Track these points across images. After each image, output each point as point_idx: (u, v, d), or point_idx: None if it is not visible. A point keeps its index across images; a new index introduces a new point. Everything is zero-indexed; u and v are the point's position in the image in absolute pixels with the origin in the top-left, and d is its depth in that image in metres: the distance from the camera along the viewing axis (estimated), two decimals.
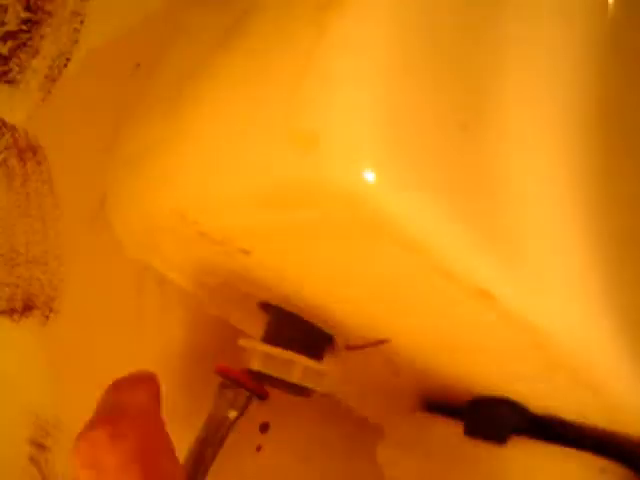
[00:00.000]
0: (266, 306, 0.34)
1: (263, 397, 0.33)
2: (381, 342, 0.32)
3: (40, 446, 0.38)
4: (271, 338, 0.33)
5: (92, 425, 0.27)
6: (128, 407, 0.28)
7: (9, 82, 0.38)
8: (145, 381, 0.30)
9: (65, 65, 0.39)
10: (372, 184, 0.21)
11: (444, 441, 0.33)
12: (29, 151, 0.38)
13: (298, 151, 0.22)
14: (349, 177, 0.21)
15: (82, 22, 0.39)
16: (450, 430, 0.32)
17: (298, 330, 0.33)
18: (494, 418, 0.29)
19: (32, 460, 0.38)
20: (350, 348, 0.34)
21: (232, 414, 0.33)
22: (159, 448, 0.28)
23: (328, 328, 0.33)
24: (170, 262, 0.36)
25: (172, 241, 0.33)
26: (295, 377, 0.33)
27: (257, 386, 0.33)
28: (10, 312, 0.38)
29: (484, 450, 0.30)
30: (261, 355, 0.33)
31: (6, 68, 0.38)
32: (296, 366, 0.33)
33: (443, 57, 0.21)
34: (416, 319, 0.28)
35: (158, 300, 0.40)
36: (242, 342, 0.33)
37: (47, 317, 0.39)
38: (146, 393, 0.29)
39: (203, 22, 0.36)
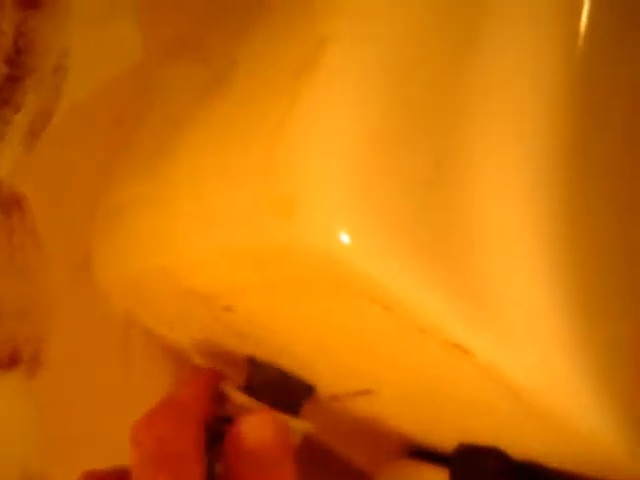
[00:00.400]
0: (250, 359, 0.34)
1: None
2: (364, 392, 0.32)
3: None
4: (251, 388, 0.33)
5: None
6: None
7: None
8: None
9: (48, 120, 0.39)
10: (347, 246, 0.22)
11: None
12: (14, 204, 0.38)
13: (275, 216, 0.23)
14: (325, 240, 0.22)
15: (64, 77, 0.39)
16: (436, 477, 0.32)
17: (278, 382, 0.34)
18: (479, 466, 0.30)
19: None
20: (334, 398, 0.34)
21: None
22: None
23: (312, 378, 0.33)
24: (155, 316, 0.36)
25: (157, 295, 0.34)
26: None
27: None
28: None
29: None
30: (237, 404, 0.33)
31: None
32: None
33: (411, 119, 0.21)
34: (396, 372, 0.28)
35: (144, 351, 0.40)
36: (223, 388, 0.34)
37: (33, 371, 0.39)
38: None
39: (183, 75, 0.37)
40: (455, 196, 0.22)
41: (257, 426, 0.29)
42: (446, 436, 0.32)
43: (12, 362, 0.38)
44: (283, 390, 0.33)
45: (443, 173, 0.22)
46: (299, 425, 0.32)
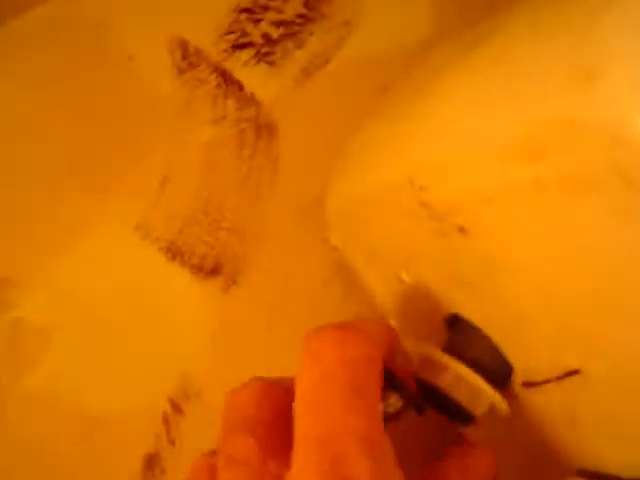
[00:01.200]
0: (452, 322, 0.31)
1: (421, 411, 0.29)
2: (569, 374, 0.27)
3: (177, 408, 0.37)
4: (449, 352, 0.30)
5: None
6: None
7: (269, 63, 0.40)
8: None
9: (324, 65, 0.40)
10: None
11: None
12: (266, 129, 0.39)
13: (572, 86, 0.21)
14: (618, 116, 0.20)
15: (350, 32, 0.41)
16: None
17: (482, 353, 0.30)
18: None
19: (164, 418, 0.36)
20: (529, 384, 0.29)
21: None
22: None
23: (512, 352, 0.29)
24: (374, 250, 0.34)
25: (386, 219, 0.32)
26: (479, 409, 0.29)
27: (421, 398, 0.29)
28: (198, 269, 0.38)
29: None
30: (446, 371, 0.29)
31: (271, 50, 0.40)
32: (483, 397, 0.29)
33: None
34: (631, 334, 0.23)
35: (338, 307, 0.39)
36: (421, 348, 0.30)
37: (228, 287, 0.38)
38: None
39: (451, 40, 0.36)
40: None
41: None
42: None
43: (213, 271, 0.38)
44: (485, 363, 0.30)
45: None
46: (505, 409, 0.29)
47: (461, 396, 0.29)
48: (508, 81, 0.25)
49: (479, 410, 0.29)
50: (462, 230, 0.27)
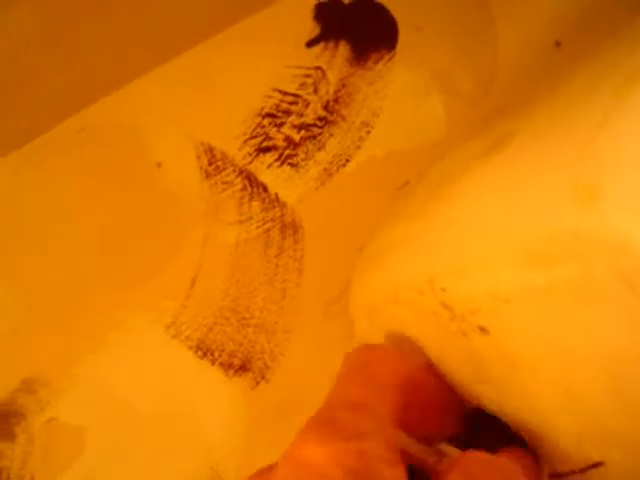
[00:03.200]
0: (474, 416, 0.32)
1: None
2: (593, 466, 0.28)
3: None
4: (467, 443, 0.30)
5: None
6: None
7: (292, 165, 0.42)
8: None
9: (344, 165, 0.42)
10: None
11: None
12: (291, 228, 0.41)
13: (576, 202, 0.23)
14: (621, 229, 0.22)
15: (369, 132, 0.43)
16: None
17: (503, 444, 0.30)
18: None
19: None
20: (555, 476, 0.30)
21: None
22: None
23: (536, 446, 0.30)
24: (398, 348, 0.35)
25: (409, 319, 0.33)
26: None
27: None
28: (227, 367, 0.39)
29: None
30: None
31: (293, 153, 0.42)
32: None
33: None
34: None
35: None
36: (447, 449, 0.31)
37: (258, 383, 0.39)
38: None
39: (468, 144, 0.38)
40: None
41: None
42: None
43: (242, 368, 0.39)
44: None
45: None
46: None
47: None
48: (516, 193, 0.27)
49: None
50: (483, 330, 0.28)
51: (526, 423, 0.29)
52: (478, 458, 0.26)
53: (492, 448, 0.30)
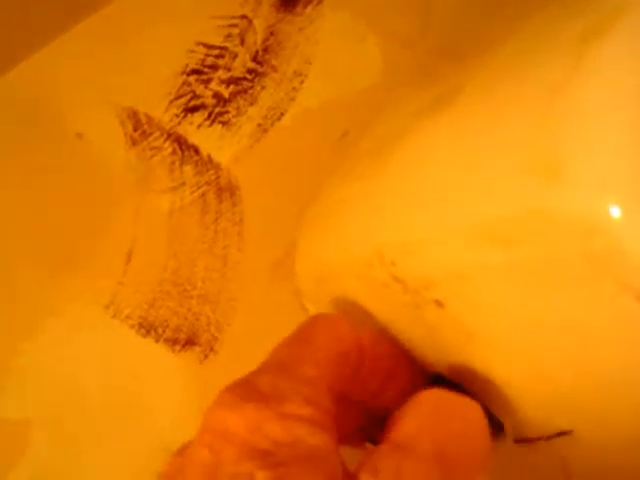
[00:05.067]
0: (435, 381, 0.31)
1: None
2: (561, 434, 0.27)
3: None
4: None
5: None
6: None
7: (223, 123, 0.39)
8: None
9: (278, 119, 0.40)
10: (615, 220, 0.20)
11: None
12: (227, 191, 0.39)
13: (537, 180, 0.21)
14: (590, 209, 0.20)
15: (302, 82, 0.40)
16: None
17: None
18: None
19: None
20: (520, 441, 0.29)
21: None
22: None
23: (500, 413, 0.29)
24: (348, 315, 0.34)
25: (358, 289, 0.32)
26: None
27: None
28: (173, 342, 0.37)
29: None
30: None
31: (224, 110, 0.39)
32: None
33: None
34: (619, 401, 0.23)
35: None
36: None
37: (206, 356, 0.38)
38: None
39: (412, 96, 0.36)
40: None
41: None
42: None
43: (189, 342, 0.38)
44: None
45: None
46: None
47: None
48: (469, 163, 0.25)
49: None
50: (438, 303, 0.27)
51: (488, 391, 0.29)
52: (434, 393, 0.25)
53: None
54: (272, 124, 0.40)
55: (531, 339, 0.24)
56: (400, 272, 0.27)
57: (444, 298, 0.26)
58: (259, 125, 0.40)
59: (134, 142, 0.38)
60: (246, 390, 0.23)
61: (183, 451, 0.25)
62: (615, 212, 0.20)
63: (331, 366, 0.25)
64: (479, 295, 0.25)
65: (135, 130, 0.38)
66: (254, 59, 0.40)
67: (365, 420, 0.29)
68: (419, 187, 0.27)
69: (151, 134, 0.39)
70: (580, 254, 0.20)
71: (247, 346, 0.38)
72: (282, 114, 0.40)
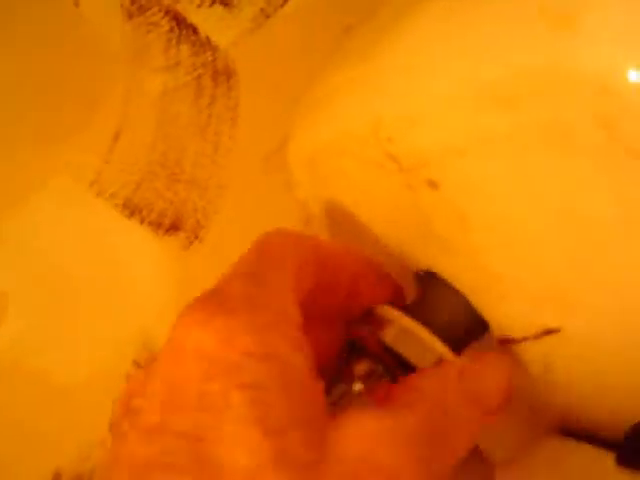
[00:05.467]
0: (423, 277, 0.30)
1: (395, 379, 0.28)
2: (548, 332, 0.26)
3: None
4: (418, 313, 0.29)
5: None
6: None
7: (225, 4, 0.38)
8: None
9: (282, 5, 0.38)
10: (632, 81, 0.18)
11: (588, 469, 0.26)
12: (224, 75, 0.37)
13: (548, 31, 0.20)
14: (605, 66, 0.19)
15: None
16: (599, 460, 0.26)
17: (454, 309, 0.29)
18: None
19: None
20: (505, 341, 0.29)
21: (357, 387, 0.28)
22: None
23: (488, 309, 0.28)
24: (336, 209, 0.33)
25: (352, 171, 0.31)
26: (426, 363, 0.28)
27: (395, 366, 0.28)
28: (157, 226, 0.36)
29: None
30: (390, 325, 0.28)
31: None
32: (429, 350, 0.28)
33: None
34: (608, 290, 0.22)
35: None
36: (382, 310, 0.29)
37: (191, 243, 0.37)
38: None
39: None
40: None
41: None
42: (619, 408, 0.25)
43: (173, 227, 0.37)
44: (456, 320, 0.28)
45: None
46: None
47: (406, 350, 0.28)
48: (480, 24, 0.23)
49: (426, 364, 0.28)
50: (432, 184, 0.25)
51: (475, 285, 0.28)
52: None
53: None
54: (275, 10, 0.38)
55: (528, 223, 0.23)
56: (395, 149, 0.26)
57: (439, 178, 0.25)
58: (262, 10, 0.38)
59: (130, 15, 0.37)
60: (216, 301, 0.22)
61: (148, 366, 0.24)
62: (633, 74, 0.18)
63: (293, 276, 0.24)
64: (476, 173, 0.23)
65: (132, 3, 0.37)
66: None
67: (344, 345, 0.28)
68: (420, 57, 0.25)
69: (149, 9, 0.37)
70: (590, 116, 0.19)
71: (233, 237, 0.37)
72: (286, 1, 0.38)
